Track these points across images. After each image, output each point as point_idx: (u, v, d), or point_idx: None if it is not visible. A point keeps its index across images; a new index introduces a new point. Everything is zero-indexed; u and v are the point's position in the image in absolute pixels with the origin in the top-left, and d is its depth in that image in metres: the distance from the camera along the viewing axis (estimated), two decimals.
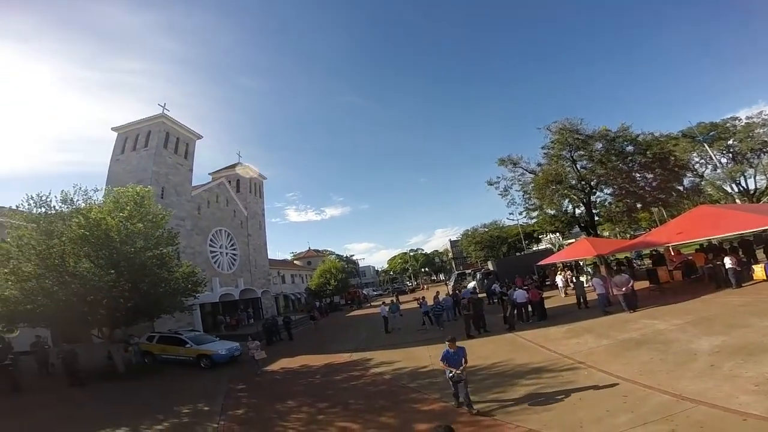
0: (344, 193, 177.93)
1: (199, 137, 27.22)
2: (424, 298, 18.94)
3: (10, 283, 10.38)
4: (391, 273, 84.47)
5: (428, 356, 10.93)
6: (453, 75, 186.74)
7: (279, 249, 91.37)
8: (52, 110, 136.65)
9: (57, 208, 11.44)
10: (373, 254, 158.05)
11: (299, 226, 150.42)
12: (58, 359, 12.41)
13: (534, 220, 31.83)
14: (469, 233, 55.12)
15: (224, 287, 26.17)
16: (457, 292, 20.43)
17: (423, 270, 77.89)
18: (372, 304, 39.63)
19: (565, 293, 17.37)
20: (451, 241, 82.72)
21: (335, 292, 39.69)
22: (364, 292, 46.34)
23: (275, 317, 23.28)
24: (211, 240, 27.13)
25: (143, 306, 12.22)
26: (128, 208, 12.15)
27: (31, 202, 11.18)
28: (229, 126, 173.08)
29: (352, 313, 32.79)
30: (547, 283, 21.19)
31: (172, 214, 15.15)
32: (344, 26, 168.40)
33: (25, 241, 10.75)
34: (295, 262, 57.90)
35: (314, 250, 63.22)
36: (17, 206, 11.46)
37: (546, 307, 13.84)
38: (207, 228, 26.91)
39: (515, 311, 13.29)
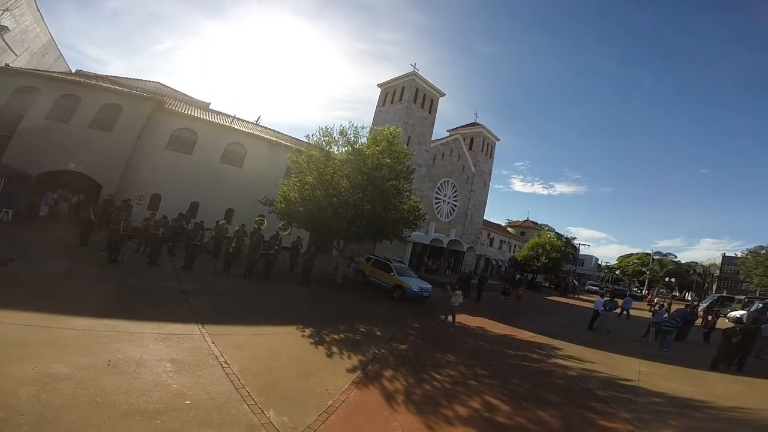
0: (583, 171, 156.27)
1: (442, 94, 29.56)
2: (663, 306, 15.77)
3: (296, 188, 14.78)
4: (617, 272, 71.46)
5: (637, 371, 9.46)
6: None
7: (495, 214, 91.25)
8: (335, 76, 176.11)
9: (335, 137, 15.15)
10: (601, 245, 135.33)
11: (522, 197, 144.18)
12: (302, 259, 15.28)
13: None
14: (762, 253, 39.24)
15: (437, 233, 28.96)
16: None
17: (666, 280, 62.23)
18: (580, 296, 35.23)
19: None
20: (724, 257, 61.89)
21: (542, 271, 37.07)
22: (575, 281, 41.32)
23: (472, 273, 24.28)
24: (437, 188, 30.14)
25: (373, 226, 14.81)
26: (382, 144, 14.95)
27: (320, 132, 15.24)
28: (468, 90, 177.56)
29: (553, 298, 30.19)
30: None
31: (412, 157, 17.37)
32: None
33: (312, 160, 14.93)
34: (508, 228, 56.82)
35: (532, 222, 59.65)
36: (309, 136, 15.68)
37: None
38: (437, 177, 29.95)
39: None
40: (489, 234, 43.94)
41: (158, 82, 25.40)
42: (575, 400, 7.10)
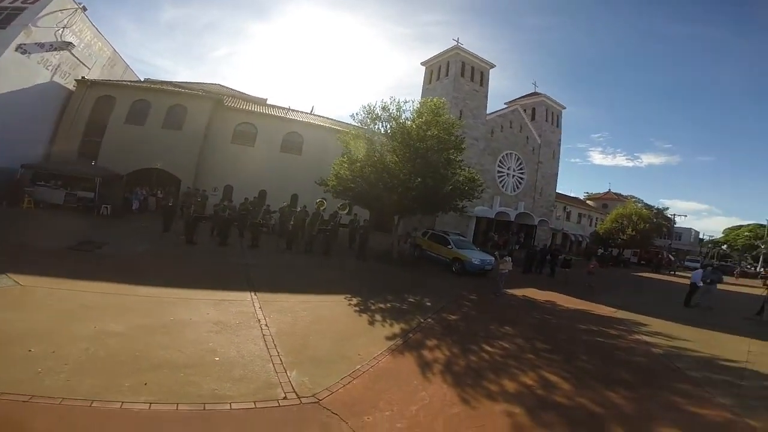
0: (674, 140, 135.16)
1: (492, 66, 27.93)
2: None
3: (345, 165, 15.02)
4: (724, 247, 61.22)
5: (746, 351, 8.09)
6: None
7: (574, 189, 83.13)
8: (385, 65, 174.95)
9: (378, 113, 15.07)
10: (702, 218, 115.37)
11: (602, 170, 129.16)
12: (357, 234, 15.70)
13: None
14: None
15: (503, 207, 27.40)
16: None
17: None
18: (677, 273, 30.97)
19: None
20: None
21: (628, 245, 33.12)
22: (671, 256, 36.19)
23: (546, 248, 22.40)
24: (500, 161, 28.49)
25: (425, 198, 14.41)
26: (425, 115, 14.52)
27: (363, 110, 15.28)
28: (525, 63, 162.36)
29: (642, 274, 27.00)
30: None
31: (468, 131, 16.69)
32: None
33: (359, 137, 15.07)
34: (587, 201, 51.89)
35: (615, 194, 53.68)
36: (354, 115, 15.80)
37: None
38: (498, 150, 28.27)
39: None
40: (565, 207, 40.54)
41: (218, 84, 27.31)
42: (657, 381, 6.16)
